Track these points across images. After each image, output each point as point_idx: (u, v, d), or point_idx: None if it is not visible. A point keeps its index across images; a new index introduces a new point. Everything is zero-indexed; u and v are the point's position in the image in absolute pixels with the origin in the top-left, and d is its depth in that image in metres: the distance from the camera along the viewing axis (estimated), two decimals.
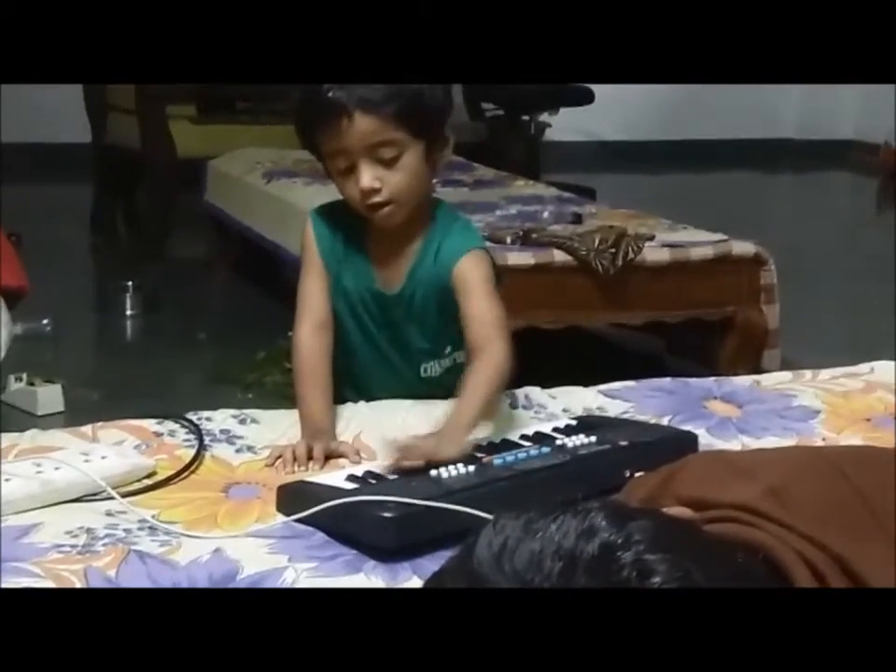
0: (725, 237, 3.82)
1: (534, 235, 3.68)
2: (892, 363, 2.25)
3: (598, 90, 6.27)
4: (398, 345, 2.09)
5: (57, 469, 1.61)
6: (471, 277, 2.00)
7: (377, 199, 1.96)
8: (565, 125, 6.76)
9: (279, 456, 1.79)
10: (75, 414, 3.14)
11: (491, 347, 1.91)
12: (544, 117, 6.50)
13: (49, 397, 3.47)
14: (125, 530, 1.51)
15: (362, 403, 2.02)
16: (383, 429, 1.88)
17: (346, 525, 1.49)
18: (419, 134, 1.96)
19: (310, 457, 1.79)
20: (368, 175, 1.93)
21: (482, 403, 1.82)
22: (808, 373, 2.23)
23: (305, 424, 1.89)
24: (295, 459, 1.78)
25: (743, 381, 2.20)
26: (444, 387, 2.04)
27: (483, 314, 1.97)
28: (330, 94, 1.89)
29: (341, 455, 1.82)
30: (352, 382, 2.12)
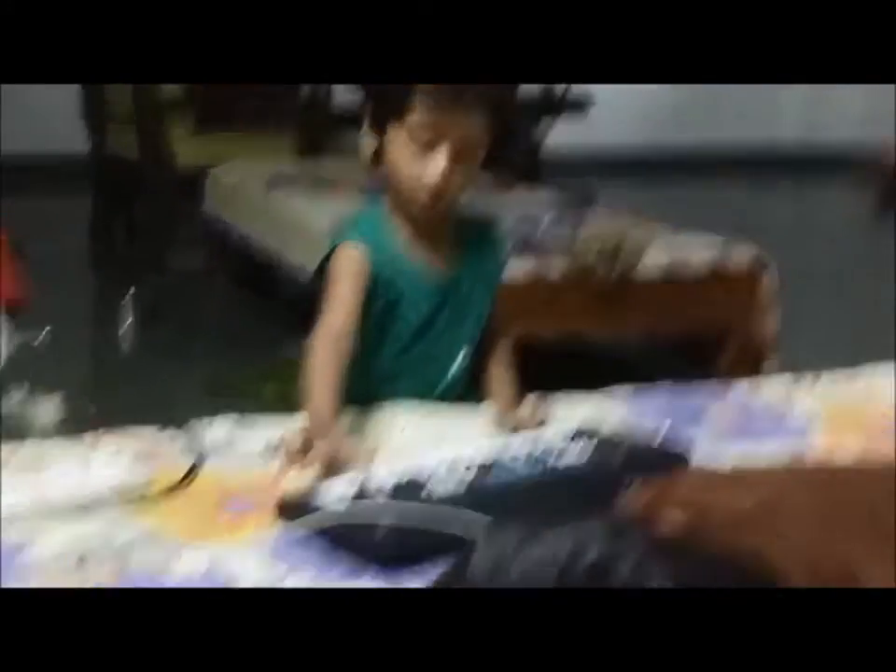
0: (725, 241, 3.83)
1: (533, 241, 3.69)
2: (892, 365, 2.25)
3: (598, 96, 6.28)
4: (446, 336, 2.07)
5: (54, 479, 1.61)
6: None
7: (442, 191, 1.95)
8: (564, 131, 6.76)
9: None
10: (74, 425, 3.13)
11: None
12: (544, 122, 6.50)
13: (49, 408, 3.48)
14: (122, 542, 1.51)
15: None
16: (381, 438, 1.88)
17: (344, 535, 1.49)
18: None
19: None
20: (444, 166, 1.92)
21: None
22: (808, 377, 2.22)
23: (311, 419, 1.83)
24: (299, 451, 1.75)
25: (742, 386, 2.20)
26: (457, 390, 2.09)
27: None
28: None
29: (344, 460, 1.74)
30: (373, 394, 2.05)
